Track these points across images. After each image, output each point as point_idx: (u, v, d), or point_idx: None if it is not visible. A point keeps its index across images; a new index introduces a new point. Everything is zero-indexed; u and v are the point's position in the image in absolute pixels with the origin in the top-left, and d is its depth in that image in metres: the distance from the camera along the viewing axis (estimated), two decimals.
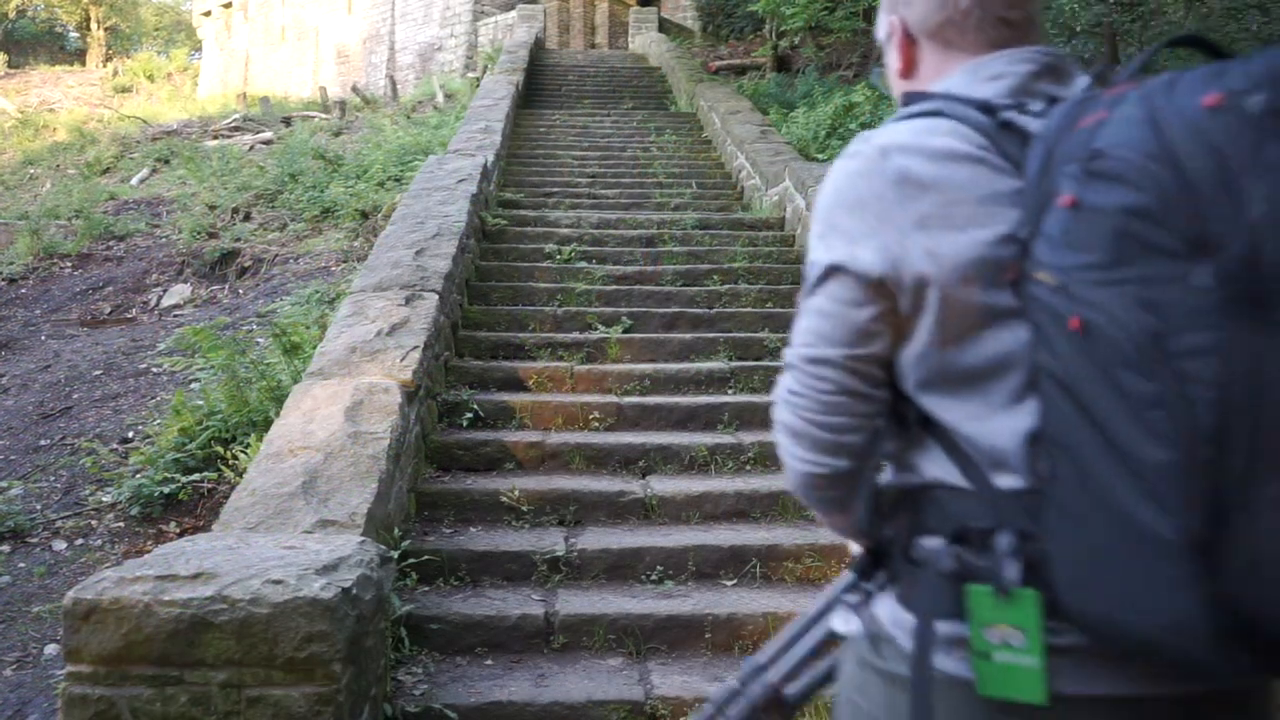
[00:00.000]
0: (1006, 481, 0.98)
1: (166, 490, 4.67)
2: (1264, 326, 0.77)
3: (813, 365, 1.06)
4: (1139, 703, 0.95)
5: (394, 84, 20.38)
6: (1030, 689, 0.94)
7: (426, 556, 3.57)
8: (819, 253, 1.07)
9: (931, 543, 1.03)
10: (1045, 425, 0.93)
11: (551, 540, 3.78)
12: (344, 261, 8.61)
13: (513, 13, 20.71)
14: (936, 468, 1.04)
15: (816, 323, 1.06)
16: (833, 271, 1.04)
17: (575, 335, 5.68)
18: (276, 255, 9.51)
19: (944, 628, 1.00)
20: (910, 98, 1.10)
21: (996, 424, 0.99)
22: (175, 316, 8.83)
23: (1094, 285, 0.85)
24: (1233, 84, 0.80)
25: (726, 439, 4.60)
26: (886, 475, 1.13)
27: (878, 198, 1.02)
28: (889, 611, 1.07)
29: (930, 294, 1.00)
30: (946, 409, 1.03)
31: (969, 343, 1.00)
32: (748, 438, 4.62)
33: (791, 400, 1.09)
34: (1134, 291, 0.82)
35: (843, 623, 1.13)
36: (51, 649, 3.76)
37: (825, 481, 1.10)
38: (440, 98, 16.97)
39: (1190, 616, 0.81)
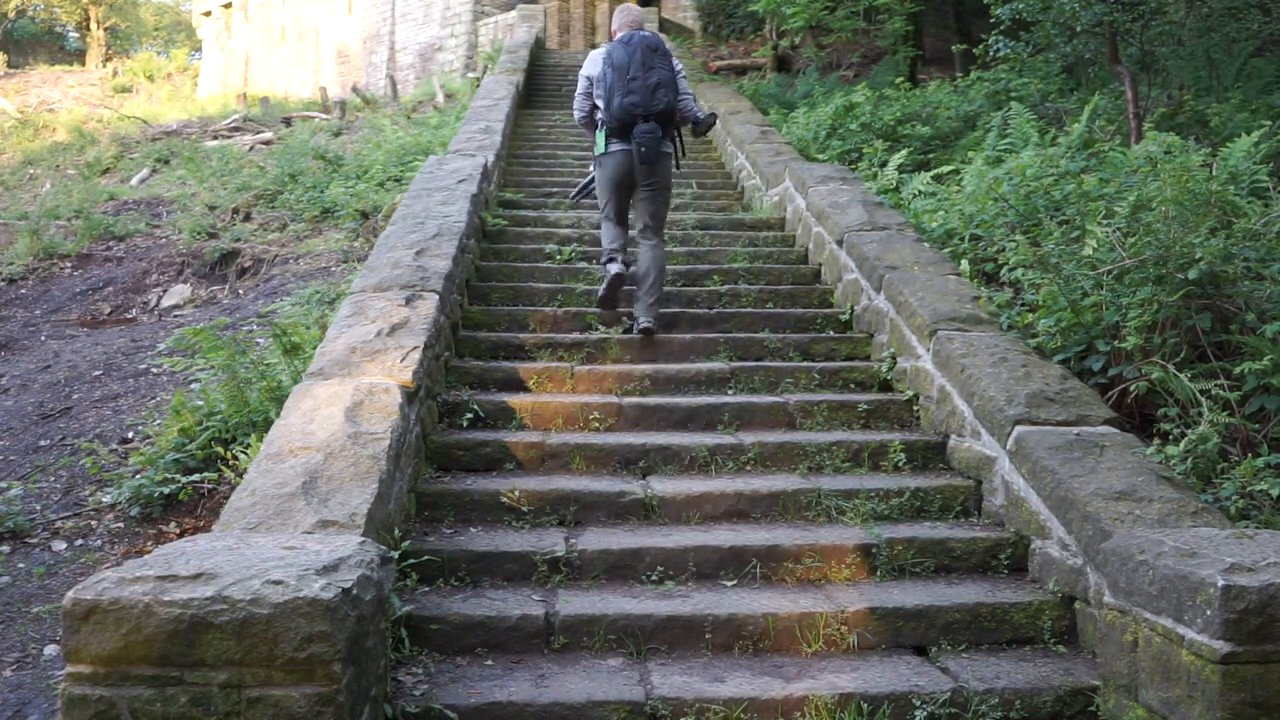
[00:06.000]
0: (600, 114, 5.80)
1: (166, 491, 4.67)
2: (613, 73, 5.63)
3: (576, 96, 6.00)
4: (622, 151, 5.72)
5: (394, 84, 20.38)
6: (604, 148, 5.77)
7: (427, 557, 3.57)
8: (583, 71, 5.93)
9: (599, 126, 5.82)
10: (604, 94, 5.67)
11: (551, 540, 3.78)
12: (344, 262, 8.61)
13: (513, 13, 20.72)
14: (600, 114, 5.78)
15: (578, 86, 5.96)
16: (580, 75, 5.94)
17: (575, 335, 5.68)
18: (276, 255, 9.51)
19: (600, 142, 5.82)
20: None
21: (601, 101, 5.75)
22: (175, 317, 8.83)
23: (603, 64, 5.74)
24: (625, 37, 5.74)
25: (726, 439, 4.60)
26: (598, 116, 5.84)
27: (589, 60, 5.90)
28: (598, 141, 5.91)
29: (598, 78, 5.75)
30: (599, 100, 5.75)
31: (601, 87, 5.73)
32: (748, 438, 4.62)
33: (574, 103, 6.05)
34: (609, 68, 5.67)
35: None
36: (51, 649, 3.76)
37: (581, 118, 6.01)
38: (440, 98, 16.98)
39: (619, 114, 5.63)
